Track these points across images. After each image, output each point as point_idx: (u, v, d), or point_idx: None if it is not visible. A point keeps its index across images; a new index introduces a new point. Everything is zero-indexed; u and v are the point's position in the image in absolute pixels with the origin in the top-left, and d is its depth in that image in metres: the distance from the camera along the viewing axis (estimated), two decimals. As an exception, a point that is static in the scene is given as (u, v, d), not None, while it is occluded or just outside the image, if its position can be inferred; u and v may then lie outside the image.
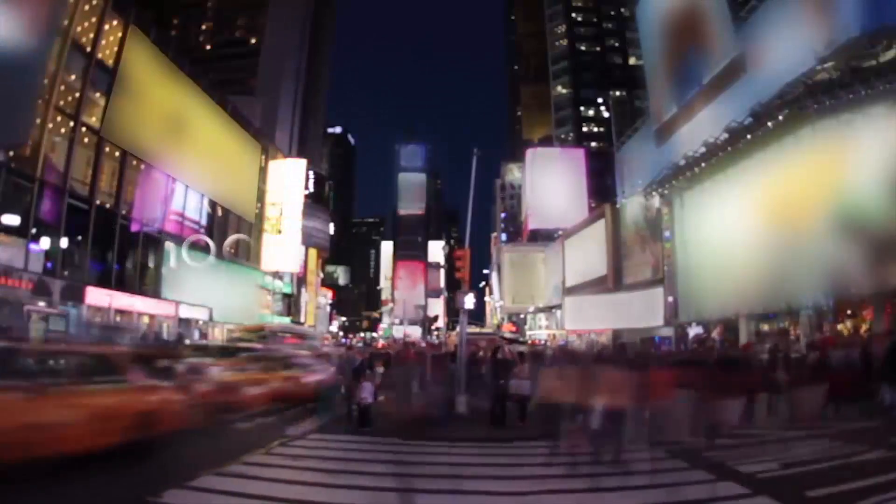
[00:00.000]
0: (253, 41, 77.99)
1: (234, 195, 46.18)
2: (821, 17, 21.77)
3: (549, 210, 64.59)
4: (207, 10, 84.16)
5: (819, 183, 21.74)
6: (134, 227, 32.89)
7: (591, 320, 46.36)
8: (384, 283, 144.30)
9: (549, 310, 62.34)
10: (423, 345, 37.79)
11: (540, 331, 63.61)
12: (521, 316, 71.69)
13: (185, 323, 37.01)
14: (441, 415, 12.02)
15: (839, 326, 21.94)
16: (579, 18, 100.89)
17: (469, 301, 15.97)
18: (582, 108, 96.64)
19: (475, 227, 17.93)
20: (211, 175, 41.28)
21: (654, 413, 8.63)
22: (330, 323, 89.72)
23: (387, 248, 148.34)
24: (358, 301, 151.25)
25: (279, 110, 69.31)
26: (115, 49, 30.41)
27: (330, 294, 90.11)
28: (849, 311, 22.03)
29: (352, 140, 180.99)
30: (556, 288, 57.09)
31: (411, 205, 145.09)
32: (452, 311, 70.46)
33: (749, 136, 25.81)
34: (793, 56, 22.52)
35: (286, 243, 54.13)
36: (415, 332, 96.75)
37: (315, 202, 74.30)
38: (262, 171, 52.76)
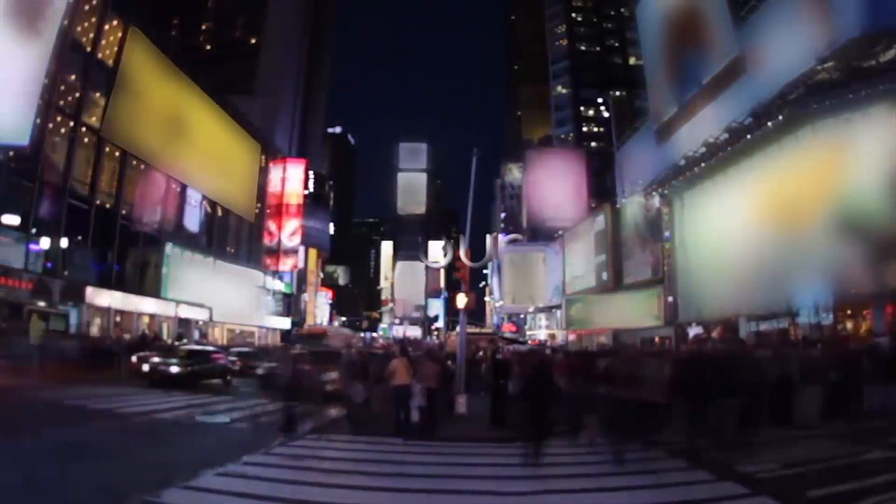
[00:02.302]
0: (253, 41, 77.90)
1: (234, 195, 46.20)
2: (821, 18, 21.73)
3: (549, 210, 64.59)
4: (207, 10, 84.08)
5: (819, 183, 21.73)
6: (134, 227, 32.92)
7: (590, 320, 46.36)
8: (384, 283, 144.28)
9: (549, 310, 62.34)
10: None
11: (540, 331, 63.60)
12: (521, 316, 71.65)
13: (185, 323, 37.05)
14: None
15: (839, 326, 21.95)
16: (579, 18, 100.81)
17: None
18: (582, 108, 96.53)
19: (475, 227, 17.77)
20: (211, 175, 41.30)
21: None
22: (330, 323, 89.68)
23: (387, 248, 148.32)
24: (358, 301, 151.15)
25: (279, 110, 69.23)
26: (115, 49, 30.43)
27: (330, 294, 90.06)
28: (849, 311, 22.02)
29: (352, 140, 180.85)
30: (556, 288, 57.10)
31: (411, 205, 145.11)
32: (452, 310, 70.45)
33: (749, 136, 25.78)
34: (793, 56, 22.49)
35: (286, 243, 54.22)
36: (415, 332, 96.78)
37: (315, 202, 74.25)
38: (262, 171, 52.79)
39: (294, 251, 55.74)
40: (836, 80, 21.04)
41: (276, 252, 53.38)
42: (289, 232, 54.45)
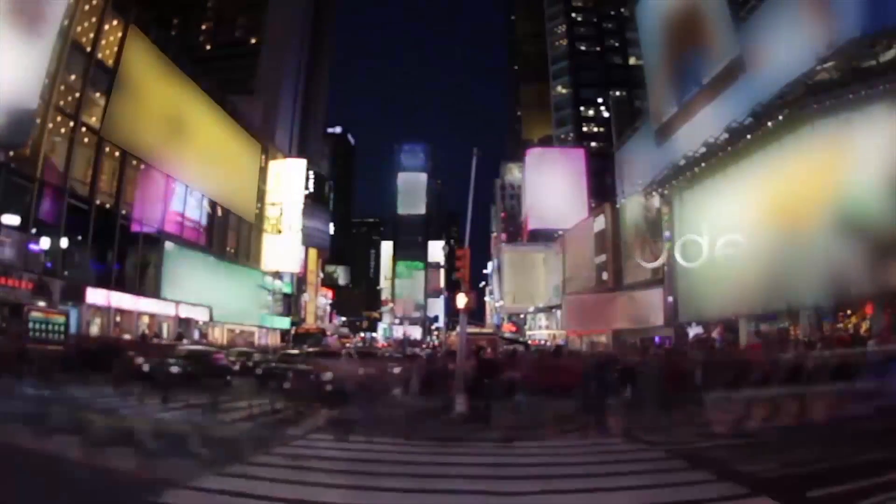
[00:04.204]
0: (253, 41, 77.94)
1: (234, 195, 46.19)
2: (821, 18, 21.73)
3: (549, 210, 64.57)
4: (207, 10, 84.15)
5: (819, 183, 21.72)
6: (134, 227, 32.89)
7: (590, 321, 46.35)
8: (384, 283, 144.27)
9: (549, 310, 62.33)
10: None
11: (540, 331, 63.58)
12: (521, 316, 71.66)
13: (185, 323, 37.02)
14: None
15: (839, 326, 21.93)
16: (579, 18, 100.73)
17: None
18: (582, 108, 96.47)
19: (475, 227, 17.91)
20: (211, 175, 41.29)
21: None
22: (330, 323, 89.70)
23: (387, 248, 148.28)
24: (358, 301, 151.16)
25: (279, 110, 69.27)
26: (115, 49, 30.43)
27: (330, 294, 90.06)
28: (849, 311, 22.01)
29: (352, 140, 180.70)
30: (556, 288, 57.10)
31: (411, 205, 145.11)
32: (453, 310, 70.40)
33: (749, 136, 25.79)
34: (793, 56, 22.49)
35: (286, 243, 54.19)
36: (415, 332, 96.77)
37: (315, 202, 74.26)
38: (262, 171, 52.80)
39: (294, 251, 55.73)
40: (836, 80, 21.05)
41: (276, 252, 53.33)
42: (288, 232, 54.44)
